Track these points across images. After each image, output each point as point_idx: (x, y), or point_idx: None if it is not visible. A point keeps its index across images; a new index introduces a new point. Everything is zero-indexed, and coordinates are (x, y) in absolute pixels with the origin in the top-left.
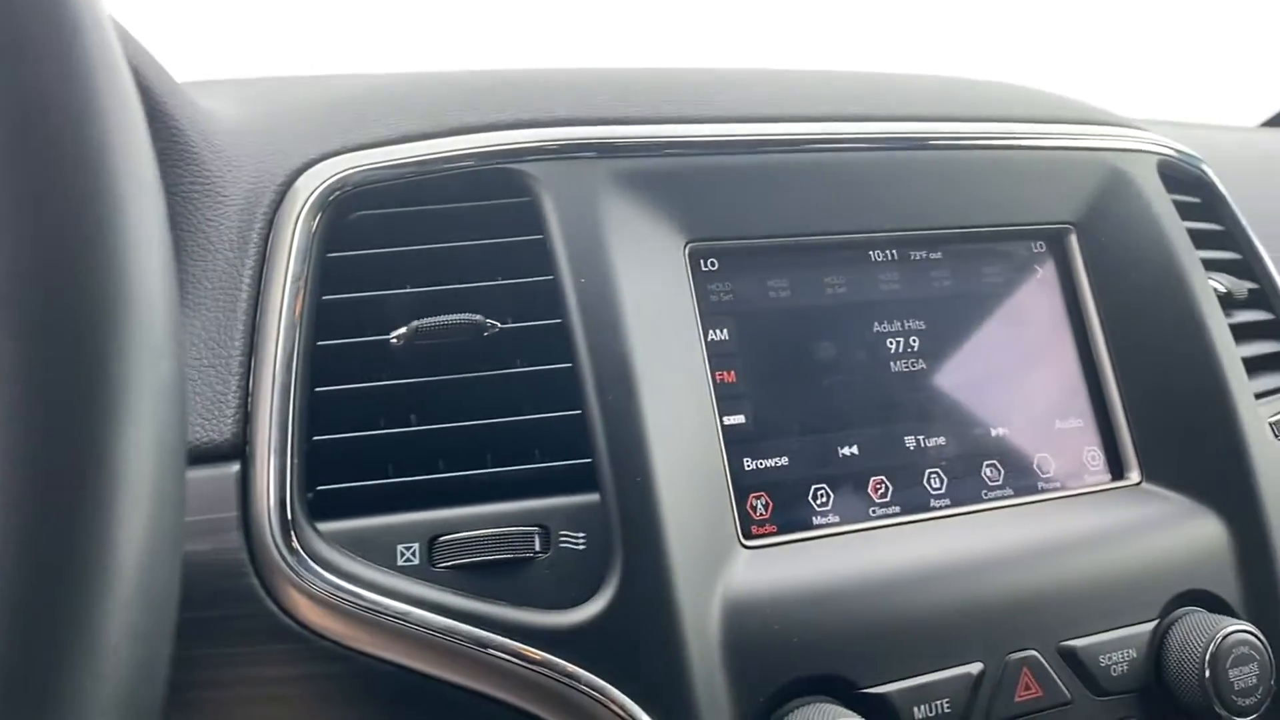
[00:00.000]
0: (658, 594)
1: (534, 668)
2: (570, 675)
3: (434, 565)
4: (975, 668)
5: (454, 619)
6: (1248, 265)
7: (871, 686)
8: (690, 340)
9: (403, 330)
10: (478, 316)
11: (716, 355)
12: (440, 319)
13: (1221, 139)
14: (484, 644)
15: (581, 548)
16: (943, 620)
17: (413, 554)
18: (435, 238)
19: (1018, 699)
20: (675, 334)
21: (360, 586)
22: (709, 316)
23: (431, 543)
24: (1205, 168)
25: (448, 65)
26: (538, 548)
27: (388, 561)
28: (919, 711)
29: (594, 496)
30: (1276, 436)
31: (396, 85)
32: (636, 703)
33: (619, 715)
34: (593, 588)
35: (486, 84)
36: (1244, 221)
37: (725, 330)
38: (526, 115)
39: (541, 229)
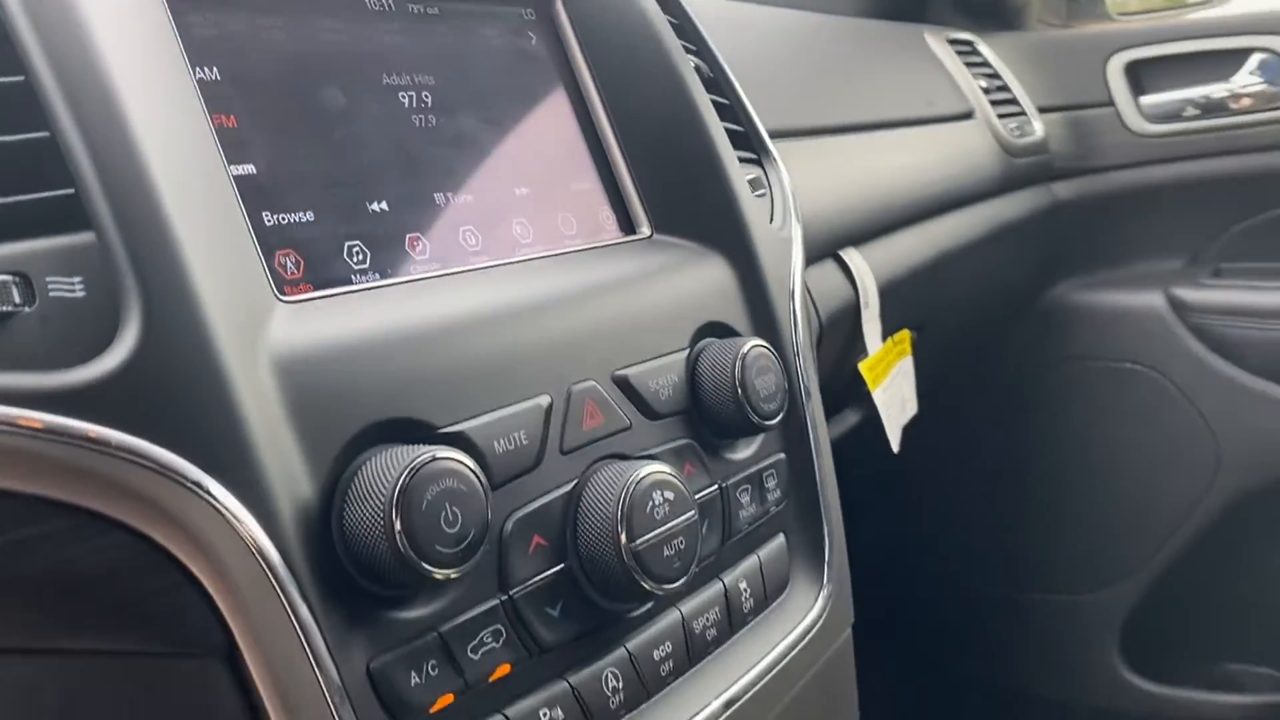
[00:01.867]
0: (194, 338)
1: (37, 436)
2: (95, 440)
3: None
4: (544, 399)
5: None
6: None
7: (448, 426)
8: (178, 73)
9: None
10: None
11: (211, 96)
12: None
13: None
14: None
15: (79, 294)
16: (504, 360)
17: None
18: None
19: (585, 427)
20: (158, 62)
21: None
22: (195, 51)
23: None
24: None
25: None
26: (18, 299)
27: None
28: (499, 445)
29: (88, 236)
30: (755, 194)
31: None
32: (192, 462)
33: (166, 478)
34: (105, 340)
35: None
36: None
37: (216, 69)
38: None
39: None
